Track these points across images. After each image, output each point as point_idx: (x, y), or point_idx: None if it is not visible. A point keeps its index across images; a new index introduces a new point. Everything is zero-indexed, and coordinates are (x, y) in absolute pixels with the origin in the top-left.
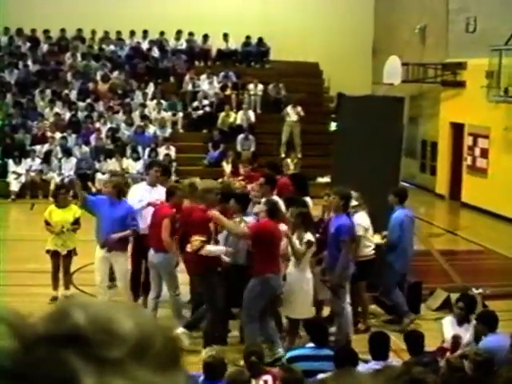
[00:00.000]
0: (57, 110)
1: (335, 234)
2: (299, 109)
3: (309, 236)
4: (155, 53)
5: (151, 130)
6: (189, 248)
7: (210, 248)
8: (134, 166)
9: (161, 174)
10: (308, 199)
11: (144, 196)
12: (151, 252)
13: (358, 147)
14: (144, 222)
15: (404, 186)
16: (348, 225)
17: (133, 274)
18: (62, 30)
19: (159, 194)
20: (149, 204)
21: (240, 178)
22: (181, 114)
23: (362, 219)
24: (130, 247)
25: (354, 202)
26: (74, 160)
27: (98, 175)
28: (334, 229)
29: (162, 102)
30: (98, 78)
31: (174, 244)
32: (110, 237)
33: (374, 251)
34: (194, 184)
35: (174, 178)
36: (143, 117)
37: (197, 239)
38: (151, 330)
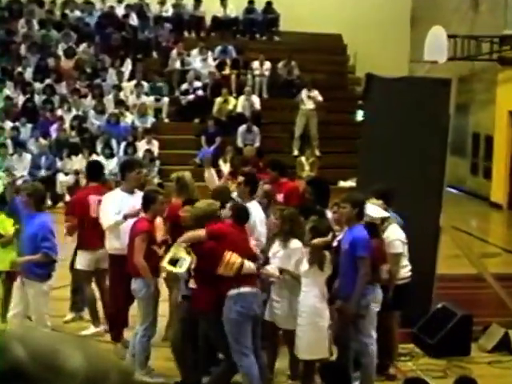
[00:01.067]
0: (7, 92)
1: (350, 249)
2: (316, 93)
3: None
4: (133, 21)
5: (128, 119)
6: (222, 270)
7: (250, 264)
8: (106, 166)
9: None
10: (328, 213)
11: (123, 206)
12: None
13: (391, 142)
14: (124, 240)
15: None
16: (365, 237)
17: (112, 307)
18: None
19: (138, 203)
20: (126, 217)
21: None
22: (166, 100)
23: (397, 233)
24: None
25: (378, 213)
26: (28, 157)
27: (60, 176)
28: (348, 244)
29: (143, 83)
30: (61, 52)
31: (147, 268)
32: (14, 260)
33: (410, 273)
34: (183, 179)
35: (156, 180)
36: (118, 102)
37: (233, 259)
38: (104, 365)
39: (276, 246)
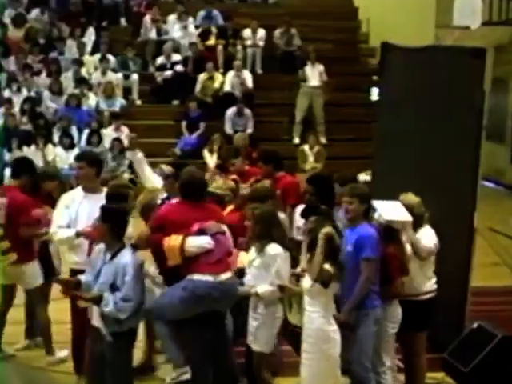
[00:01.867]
0: None
1: (354, 251)
2: (322, 68)
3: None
4: None
5: (92, 101)
6: (169, 261)
7: None
8: (64, 158)
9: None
10: (339, 213)
11: (81, 210)
12: None
13: (413, 127)
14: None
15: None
16: (372, 236)
17: (75, 331)
18: None
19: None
20: (78, 235)
21: (230, 175)
22: (137, 77)
23: (430, 236)
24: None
25: (399, 215)
26: None
27: (9, 171)
28: (352, 245)
29: (109, 57)
30: (7, 20)
31: None
32: None
33: (436, 285)
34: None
35: (127, 175)
36: (79, 81)
37: (172, 243)
38: None
39: (252, 253)
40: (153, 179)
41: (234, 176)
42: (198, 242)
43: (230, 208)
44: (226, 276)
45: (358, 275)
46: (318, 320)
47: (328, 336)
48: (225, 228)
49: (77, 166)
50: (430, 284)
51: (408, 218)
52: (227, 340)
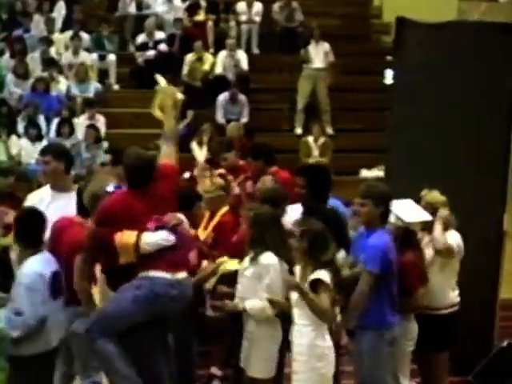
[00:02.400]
0: None
1: (366, 260)
2: (328, 47)
3: (321, 274)
4: None
5: (62, 85)
6: (121, 258)
7: None
8: (31, 151)
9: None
10: (346, 211)
11: (48, 213)
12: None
13: (433, 115)
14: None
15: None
16: (380, 248)
17: None
18: None
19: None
20: None
21: (221, 169)
22: (113, 58)
23: (455, 239)
24: None
25: (416, 215)
26: None
27: None
28: (364, 251)
29: (82, 35)
30: None
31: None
32: None
33: (459, 298)
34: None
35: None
36: (47, 62)
37: (125, 239)
38: None
39: (245, 261)
40: None
41: (221, 170)
42: (153, 239)
43: (224, 209)
44: (182, 275)
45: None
46: (309, 334)
47: (322, 353)
48: (182, 217)
49: (42, 161)
50: (453, 296)
51: (428, 217)
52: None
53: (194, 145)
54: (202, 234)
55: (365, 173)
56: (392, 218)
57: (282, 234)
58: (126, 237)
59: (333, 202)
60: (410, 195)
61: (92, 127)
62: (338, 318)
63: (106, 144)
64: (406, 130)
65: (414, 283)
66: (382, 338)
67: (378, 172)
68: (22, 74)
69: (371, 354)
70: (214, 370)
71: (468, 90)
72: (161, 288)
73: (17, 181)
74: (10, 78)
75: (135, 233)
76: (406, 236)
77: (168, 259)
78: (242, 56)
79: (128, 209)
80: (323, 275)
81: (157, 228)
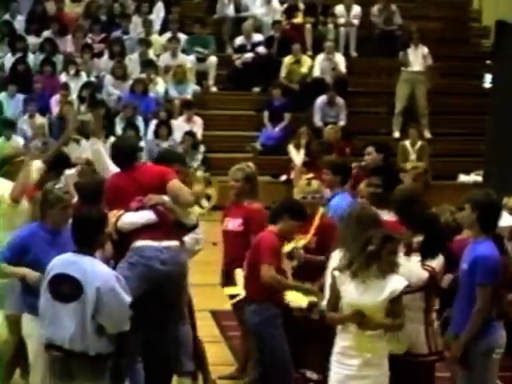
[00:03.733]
0: None
1: (469, 270)
2: (426, 51)
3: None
4: None
5: (160, 87)
6: None
7: None
8: None
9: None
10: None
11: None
12: None
13: None
14: None
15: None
16: (493, 257)
17: None
18: None
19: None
20: None
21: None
22: (214, 60)
23: None
24: None
25: (505, 220)
26: (20, 141)
27: (66, 170)
28: (468, 262)
29: (180, 36)
30: None
31: None
32: None
33: None
34: (253, 175)
35: (200, 173)
36: (146, 64)
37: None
38: None
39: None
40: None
41: (311, 175)
42: (131, 219)
43: (321, 211)
44: (169, 243)
45: (472, 300)
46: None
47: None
48: (165, 198)
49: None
50: None
51: None
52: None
53: (290, 147)
54: (303, 239)
55: (463, 177)
56: None
57: None
58: (111, 216)
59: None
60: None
61: (189, 134)
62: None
63: (202, 148)
64: (506, 136)
65: (502, 289)
66: (488, 354)
67: (475, 177)
68: (120, 75)
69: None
70: (310, 374)
71: None
72: (149, 252)
73: None
74: (108, 79)
75: (118, 213)
76: (496, 242)
77: (151, 232)
78: (340, 59)
79: (116, 189)
80: None
81: (138, 208)
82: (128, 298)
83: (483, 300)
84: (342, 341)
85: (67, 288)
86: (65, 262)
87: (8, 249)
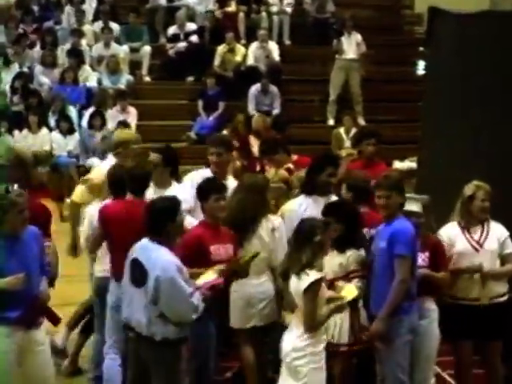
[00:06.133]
0: None
1: (388, 246)
2: (360, 38)
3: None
4: None
5: (92, 77)
6: None
7: None
8: (62, 144)
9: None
10: None
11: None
12: None
13: (469, 106)
14: None
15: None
16: (409, 231)
17: None
18: None
19: None
20: None
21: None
22: (147, 49)
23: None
24: None
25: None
26: None
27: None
28: (387, 238)
29: (113, 25)
30: None
31: None
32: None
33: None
34: None
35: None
36: (75, 53)
37: None
38: None
39: None
40: None
41: (290, 165)
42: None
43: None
44: None
45: (391, 275)
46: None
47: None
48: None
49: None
50: (501, 288)
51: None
52: None
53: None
54: None
55: (397, 164)
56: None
57: None
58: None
59: None
60: (443, 186)
61: (123, 124)
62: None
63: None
64: (440, 121)
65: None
66: (402, 325)
67: (410, 163)
68: (49, 63)
69: (394, 341)
70: None
71: (504, 84)
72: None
73: (51, 172)
74: (38, 68)
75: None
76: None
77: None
78: (273, 47)
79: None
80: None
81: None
82: (189, 289)
83: (403, 271)
84: None
85: (137, 273)
86: (140, 247)
87: None
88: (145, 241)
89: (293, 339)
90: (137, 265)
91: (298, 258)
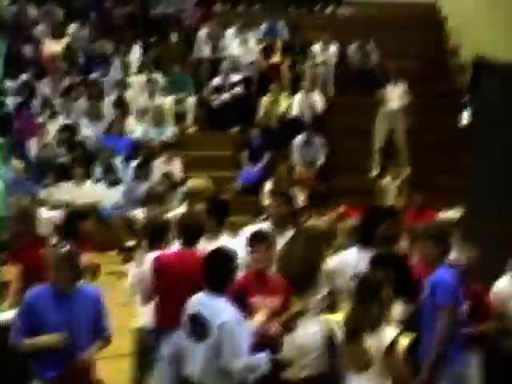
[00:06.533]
0: None
1: (430, 296)
2: (405, 88)
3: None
4: None
5: (137, 129)
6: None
7: None
8: (109, 196)
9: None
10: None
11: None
12: None
13: None
14: None
15: None
16: (448, 281)
17: None
18: None
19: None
20: None
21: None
22: (192, 100)
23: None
24: None
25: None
26: None
27: (43, 212)
28: (429, 287)
29: (157, 76)
30: (42, 28)
31: None
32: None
33: None
34: None
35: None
36: (121, 104)
37: None
38: None
39: None
40: None
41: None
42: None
43: None
44: None
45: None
46: None
47: None
48: None
49: None
50: None
51: None
52: None
53: (268, 185)
54: None
55: (441, 214)
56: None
57: None
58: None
59: None
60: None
61: (166, 176)
62: None
63: (183, 188)
64: (484, 171)
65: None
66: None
67: (454, 213)
68: (95, 116)
69: None
70: None
71: None
72: None
73: (97, 224)
74: (84, 121)
75: None
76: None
77: None
78: (317, 98)
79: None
80: None
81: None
82: (246, 345)
83: (443, 321)
84: None
85: (198, 327)
86: (199, 301)
87: None
88: (202, 294)
89: None
90: (197, 319)
91: (367, 315)
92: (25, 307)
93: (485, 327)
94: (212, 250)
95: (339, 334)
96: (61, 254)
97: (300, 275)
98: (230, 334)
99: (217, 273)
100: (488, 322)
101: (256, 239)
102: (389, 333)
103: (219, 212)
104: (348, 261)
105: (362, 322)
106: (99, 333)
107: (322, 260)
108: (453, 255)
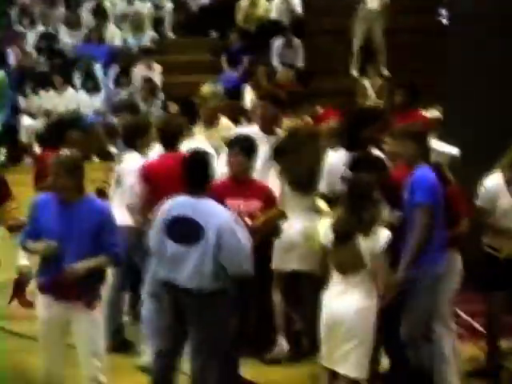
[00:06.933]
0: None
1: (410, 196)
2: None
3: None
4: None
5: (116, 36)
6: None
7: None
8: (90, 103)
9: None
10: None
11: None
12: None
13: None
14: None
15: None
16: (430, 179)
17: None
18: None
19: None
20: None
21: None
22: (170, 6)
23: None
24: None
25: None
26: None
27: (24, 119)
28: (407, 189)
29: None
30: None
31: None
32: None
33: None
34: None
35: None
36: (99, 12)
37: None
38: None
39: None
40: None
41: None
42: None
43: None
44: None
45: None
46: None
47: (366, 310)
48: None
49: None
50: None
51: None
52: None
53: (247, 89)
54: None
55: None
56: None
57: None
58: None
59: None
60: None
61: (148, 81)
62: None
63: (161, 95)
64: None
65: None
66: (426, 276)
67: (435, 112)
68: (74, 24)
69: (416, 295)
70: None
71: None
72: None
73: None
74: (64, 29)
75: None
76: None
77: None
78: (295, 0)
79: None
80: None
81: None
82: (246, 241)
83: (420, 219)
84: None
85: (188, 230)
86: (182, 204)
87: None
88: (184, 198)
89: (356, 299)
90: (185, 222)
91: (360, 218)
92: (31, 212)
93: (462, 227)
94: (190, 153)
95: (326, 236)
96: (60, 161)
97: (305, 175)
98: (230, 232)
99: (198, 174)
100: (462, 222)
101: (231, 143)
102: (383, 234)
103: (189, 111)
104: (336, 163)
105: (355, 224)
106: (104, 248)
107: (322, 160)
108: (432, 155)
